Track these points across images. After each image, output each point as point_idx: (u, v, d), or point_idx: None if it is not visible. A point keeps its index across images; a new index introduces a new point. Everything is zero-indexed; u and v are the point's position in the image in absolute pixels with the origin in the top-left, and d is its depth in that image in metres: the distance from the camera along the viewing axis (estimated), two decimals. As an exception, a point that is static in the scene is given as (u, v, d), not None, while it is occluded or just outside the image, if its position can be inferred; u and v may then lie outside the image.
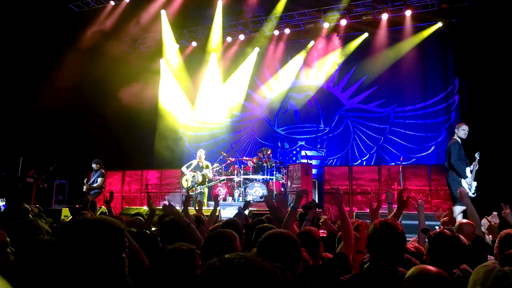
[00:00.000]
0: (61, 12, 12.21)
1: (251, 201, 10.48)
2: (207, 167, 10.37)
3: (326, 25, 12.28)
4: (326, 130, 12.89)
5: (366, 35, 12.33)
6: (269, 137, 13.62)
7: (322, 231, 4.73)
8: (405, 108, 11.97)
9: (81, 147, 12.76)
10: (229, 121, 14.23)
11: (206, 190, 10.41)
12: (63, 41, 11.91)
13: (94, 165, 10.52)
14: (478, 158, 7.37)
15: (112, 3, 12.63)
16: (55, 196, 11.78)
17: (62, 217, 8.28)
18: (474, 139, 8.45)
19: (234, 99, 14.04)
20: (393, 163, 11.25)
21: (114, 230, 1.61)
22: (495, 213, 6.53)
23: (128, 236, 1.96)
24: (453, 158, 7.48)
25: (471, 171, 7.42)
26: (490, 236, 3.84)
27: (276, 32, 13.07)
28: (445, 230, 2.77)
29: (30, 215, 3.63)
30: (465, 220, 4.15)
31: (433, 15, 11.26)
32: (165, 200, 11.60)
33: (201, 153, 10.53)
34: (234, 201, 10.93)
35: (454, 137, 7.71)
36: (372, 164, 11.92)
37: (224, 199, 11.16)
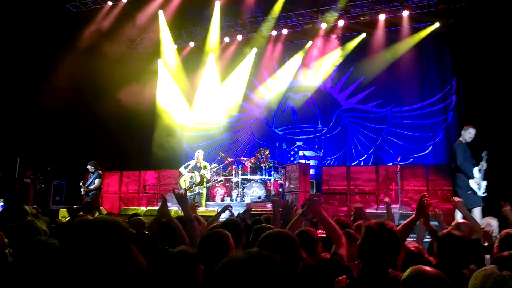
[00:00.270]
0: (58, 13, 12.18)
1: (250, 201, 10.50)
2: (205, 167, 10.37)
3: (323, 26, 12.30)
4: (324, 131, 12.91)
5: (363, 35, 12.35)
6: (267, 137, 13.63)
7: (320, 231, 4.74)
8: (402, 109, 12.00)
9: (79, 148, 12.74)
10: (227, 121, 14.23)
11: (204, 191, 10.42)
12: (60, 42, 11.88)
13: (89, 167, 10.51)
14: (486, 157, 7.39)
15: (110, 3, 12.62)
16: (52, 196, 11.75)
17: (60, 218, 8.29)
18: (471, 140, 8.47)
19: (232, 99, 14.04)
20: (390, 163, 11.26)
21: (123, 232, 1.59)
22: (487, 218, 6.53)
23: None
24: (459, 160, 7.57)
25: (479, 171, 7.44)
26: (486, 243, 3.86)
27: (274, 33, 13.08)
28: (453, 231, 2.78)
29: (29, 217, 3.63)
30: (462, 220, 4.17)
31: (430, 15, 11.29)
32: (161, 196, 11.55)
33: (199, 153, 10.54)
34: (232, 201, 10.93)
35: (460, 139, 7.73)
36: (369, 164, 11.93)
37: (222, 200, 11.16)
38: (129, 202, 12.33)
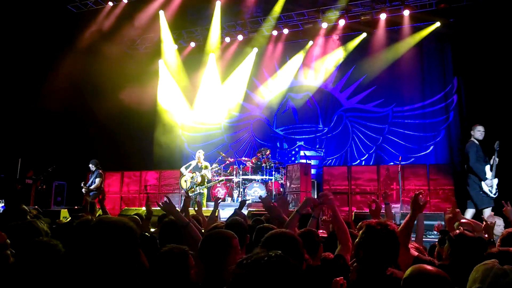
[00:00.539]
0: (59, 14, 12.18)
1: (251, 201, 10.50)
2: (206, 167, 10.37)
3: (324, 25, 12.29)
4: (325, 130, 12.90)
5: (364, 35, 12.34)
6: (267, 137, 13.63)
7: (321, 231, 4.73)
8: (403, 108, 11.98)
9: (80, 148, 12.75)
10: (227, 121, 14.23)
11: (205, 191, 10.42)
12: (61, 42, 11.89)
13: (91, 166, 10.53)
14: (498, 148, 7.31)
15: (111, 4, 12.62)
16: (54, 197, 11.76)
17: (61, 218, 8.29)
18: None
19: (232, 99, 14.04)
20: (391, 163, 11.24)
21: (133, 233, 1.56)
22: (492, 212, 6.54)
23: None
24: (471, 160, 7.52)
25: (491, 168, 7.41)
26: (486, 235, 3.86)
27: (275, 33, 13.08)
28: (465, 231, 2.77)
29: (28, 217, 3.62)
30: (464, 220, 4.16)
31: (431, 15, 11.28)
32: (165, 197, 11.57)
33: (200, 153, 10.53)
34: (233, 201, 10.93)
35: (471, 139, 7.70)
36: (371, 164, 11.93)
37: (223, 200, 11.15)
38: (130, 202, 12.34)
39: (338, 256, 2.94)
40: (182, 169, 10.64)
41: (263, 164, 11.22)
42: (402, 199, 9.21)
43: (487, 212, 7.28)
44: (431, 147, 11.51)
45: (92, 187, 10.32)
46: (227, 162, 11.52)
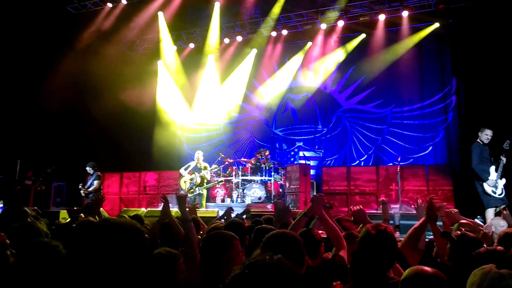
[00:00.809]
0: (58, 15, 12.19)
1: (250, 202, 10.51)
2: (205, 168, 10.37)
3: (323, 26, 12.30)
4: (324, 131, 12.91)
5: (363, 36, 12.36)
6: (267, 138, 13.63)
7: (321, 231, 4.73)
8: (402, 109, 12.00)
9: (79, 149, 12.75)
10: (227, 122, 14.24)
11: (204, 192, 10.42)
12: (60, 44, 11.90)
13: (88, 169, 10.52)
14: (507, 147, 7.32)
15: (110, 5, 12.61)
16: (53, 198, 11.75)
17: (60, 219, 8.28)
18: (471, 140, 8.46)
19: (231, 100, 14.05)
20: (391, 164, 11.26)
21: (142, 236, 1.54)
22: (489, 223, 6.54)
23: None
24: (473, 162, 7.56)
25: (496, 169, 7.41)
26: (485, 244, 3.88)
27: (274, 33, 13.08)
28: (467, 232, 2.78)
29: (29, 218, 3.63)
30: (464, 221, 4.17)
31: (430, 15, 11.29)
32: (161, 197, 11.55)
33: (199, 154, 10.54)
34: (233, 202, 10.93)
35: (477, 140, 7.72)
36: (370, 164, 11.94)
37: (223, 201, 11.16)
38: (130, 203, 12.34)
39: (335, 255, 2.95)
40: (181, 170, 10.64)
41: (262, 165, 11.22)
42: (401, 200, 9.23)
43: (490, 213, 7.31)
44: (430, 148, 11.52)
45: (90, 189, 10.31)
46: (226, 163, 11.52)
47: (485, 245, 3.82)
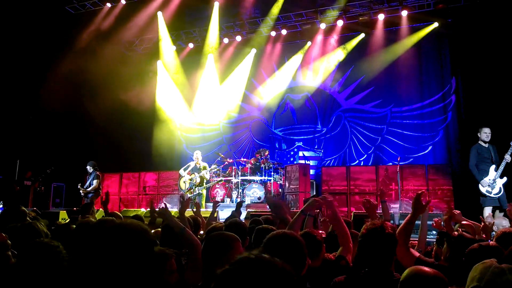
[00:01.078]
0: (57, 15, 12.18)
1: (250, 202, 10.50)
2: (204, 168, 10.37)
3: (322, 26, 12.30)
4: (324, 131, 12.91)
5: (362, 35, 12.36)
6: (266, 138, 13.63)
7: (320, 231, 4.72)
8: (402, 108, 12.00)
9: (78, 150, 12.74)
10: (226, 122, 14.23)
11: (204, 192, 10.42)
12: (59, 44, 11.89)
13: (88, 167, 10.51)
14: None
15: (109, 5, 12.60)
16: (52, 198, 11.74)
17: (60, 220, 8.27)
18: (470, 139, 8.49)
19: (231, 100, 14.04)
20: (390, 163, 11.26)
21: (149, 237, 1.52)
22: (490, 213, 6.56)
23: None
24: (469, 163, 7.83)
25: (495, 169, 7.54)
26: (484, 235, 3.88)
27: (273, 33, 13.08)
28: (464, 233, 2.77)
29: (28, 218, 3.62)
30: (464, 222, 4.17)
31: (429, 15, 11.29)
32: (163, 202, 11.58)
33: (198, 154, 10.54)
34: (232, 202, 10.93)
35: (479, 141, 7.87)
36: (369, 164, 11.94)
37: (222, 201, 11.16)
38: (129, 203, 12.33)
39: (340, 257, 2.94)
40: (181, 171, 10.64)
41: (262, 165, 11.22)
42: (401, 199, 9.23)
43: (486, 212, 7.33)
44: (430, 148, 11.52)
45: (89, 189, 10.30)
46: (226, 163, 11.52)
47: (483, 236, 3.84)
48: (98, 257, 1.42)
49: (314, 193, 11.01)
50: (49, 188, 11.66)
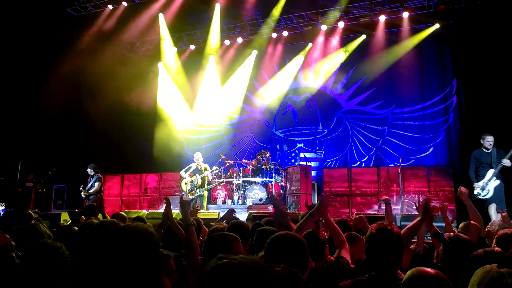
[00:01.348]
0: (59, 17, 12.21)
1: (251, 203, 10.49)
2: (205, 169, 10.37)
3: (323, 27, 12.31)
4: (325, 132, 12.91)
5: (364, 37, 12.36)
6: (267, 139, 13.63)
7: (322, 232, 4.72)
8: (403, 110, 11.99)
9: (80, 151, 12.76)
10: (227, 124, 14.24)
11: (206, 193, 10.42)
12: (61, 46, 11.91)
13: (89, 170, 10.54)
14: None
15: (110, 7, 12.62)
16: (54, 200, 11.76)
17: (62, 221, 8.29)
18: (472, 141, 8.48)
19: (232, 102, 14.04)
20: (392, 165, 11.26)
21: (154, 240, 1.51)
22: (494, 220, 6.57)
23: None
24: (469, 170, 8.04)
25: (492, 171, 7.66)
26: (488, 241, 3.89)
27: (274, 35, 13.09)
28: (460, 234, 2.77)
29: (33, 221, 3.63)
30: (472, 221, 4.17)
31: (430, 16, 11.29)
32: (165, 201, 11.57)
33: (199, 155, 10.54)
34: (234, 203, 10.93)
35: (482, 147, 7.98)
36: (371, 165, 11.93)
37: (224, 202, 11.17)
38: (131, 205, 12.34)
39: (339, 257, 2.95)
40: (182, 172, 10.64)
41: (263, 166, 11.23)
42: (403, 201, 9.23)
43: (492, 209, 7.59)
44: (431, 149, 11.51)
45: (91, 191, 10.32)
46: (227, 164, 11.52)
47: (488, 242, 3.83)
48: (103, 259, 1.43)
49: (316, 197, 11.01)
50: (51, 189, 11.69)
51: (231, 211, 5.27)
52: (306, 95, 13.26)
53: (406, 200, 9.54)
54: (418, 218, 3.10)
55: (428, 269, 1.98)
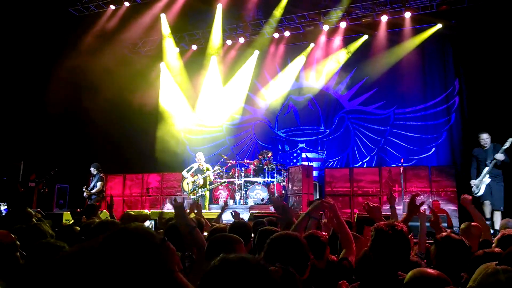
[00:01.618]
0: (61, 17, 12.24)
1: (254, 203, 10.49)
2: (207, 170, 10.38)
3: (325, 28, 12.30)
4: (327, 132, 12.90)
5: (366, 37, 12.35)
6: (269, 139, 13.63)
7: (323, 233, 4.72)
8: (405, 110, 11.98)
9: (82, 151, 12.79)
10: (229, 124, 14.24)
11: (207, 193, 10.43)
12: (63, 46, 11.93)
13: (92, 169, 10.56)
14: (508, 145, 7.67)
15: (112, 7, 12.64)
16: (56, 200, 11.79)
17: (64, 221, 8.30)
18: (474, 141, 8.47)
19: (234, 102, 14.05)
20: (393, 165, 11.25)
21: (154, 242, 1.52)
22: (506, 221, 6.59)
23: None
24: (471, 167, 8.26)
25: (488, 168, 7.81)
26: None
27: (276, 35, 13.08)
28: (452, 234, 2.77)
29: (34, 220, 3.64)
30: (473, 222, 4.17)
31: (432, 16, 11.27)
32: (168, 201, 11.60)
33: (200, 156, 10.55)
34: (236, 204, 10.94)
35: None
36: (372, 166, 11.91)
37: (225, 202, 11.16)
38: (133, 205, 12.37)
39: (343, 258, 2.95)
40: (184, 172, 10.66)
41: (265, 166, 11.23)
42: (404, 201, 9.21)
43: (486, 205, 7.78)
44: (433, 149, 11.49)
45: (93, 191, 10.34)
46: (229, 164, 11.52)
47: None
48: (102, 260, 1.43)
49: (318, 197, 11.01)
50: (53, 189, 11.71)
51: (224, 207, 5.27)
52: (308, 95, 13.26)
53: (407, 201, 9.50)
54: (405, 215, 3.10)
55: (430, 270, 1.98)
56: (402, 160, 9.64)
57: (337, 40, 12.61)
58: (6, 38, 11.04)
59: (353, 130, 12.60)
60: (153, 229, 2.92)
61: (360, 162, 12.30)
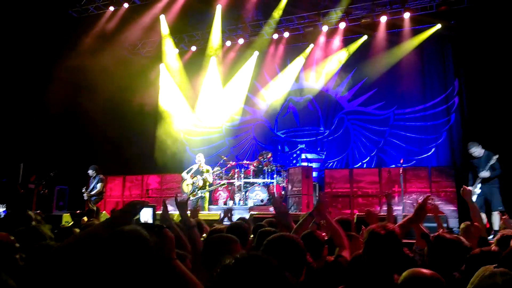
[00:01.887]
0: (60, 19, 12.24)
1: (253, 205, 10.48)
2: (207, 171, 10.36)
3: (325, 28, 12.30)
4: (326, 133, 12.90)
5: (365, 37, 12.36)
6: (269, 140, 13.63)
7: (323, 233, 4.72)
8: (405, 110, 11.98)
9: (82, 153, 12.77)
10: (229, 125, 14.24)
11: (207, 195, 10.41)
12: (63, 48, 11.93)
13: (90, 171, 10.56)
14: (492, 162, 7.71)
15: (112, 9, 12.65)
16: (56, 201, 11.77)
17: (63, 223, 8.29)
18: (474, 141, 8.46)
19: (234, 103, 14.05)
20: (393, 166, 11.25)
21: (147, 244, 1.53)
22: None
23: None
24: (469, 172, 8.27)
25: (477, 179, 7.86)
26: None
27: (275, 36, 13.09)
28: (445, 234, 2.77)
29: (33, 222, 3.63)
30: (473, 223, 4.18)
31: (432, 17, 11.28)
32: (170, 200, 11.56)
33: (200, 157, 10.53)
34: (235, 205, 10.93)
35: None
36: (372, 166, 11.92)
37: (225, 203, 11.17)
38: (132, 206, 12.32)
39: (338, 256, 2.95)
40: (184, 173, 10.64)
41: (265, 167, 11.22)
42: (404, 201, 9.22)
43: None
44: (433, 149, 11.49)
45: (93, 192, 10.34)
46: (229, 165, 11.51)
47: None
48: (97, 262, 1.44)
49: (319, 193, 11.01)
50: (53, 191, 11.70)
51: (228, 211, 5.27)
52: (308, 96, 13.26)
53: (407, 201, 9.52)
54: (410, 216, 3.09)
55: (424, 270, 1.98)
56: (401, 161, 9.63)
57: (337, 40, 12.61)
58: (6, 39, 11.04)
59: (352, 131, 12.61)
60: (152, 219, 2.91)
61: (360, 163, 12.30)
